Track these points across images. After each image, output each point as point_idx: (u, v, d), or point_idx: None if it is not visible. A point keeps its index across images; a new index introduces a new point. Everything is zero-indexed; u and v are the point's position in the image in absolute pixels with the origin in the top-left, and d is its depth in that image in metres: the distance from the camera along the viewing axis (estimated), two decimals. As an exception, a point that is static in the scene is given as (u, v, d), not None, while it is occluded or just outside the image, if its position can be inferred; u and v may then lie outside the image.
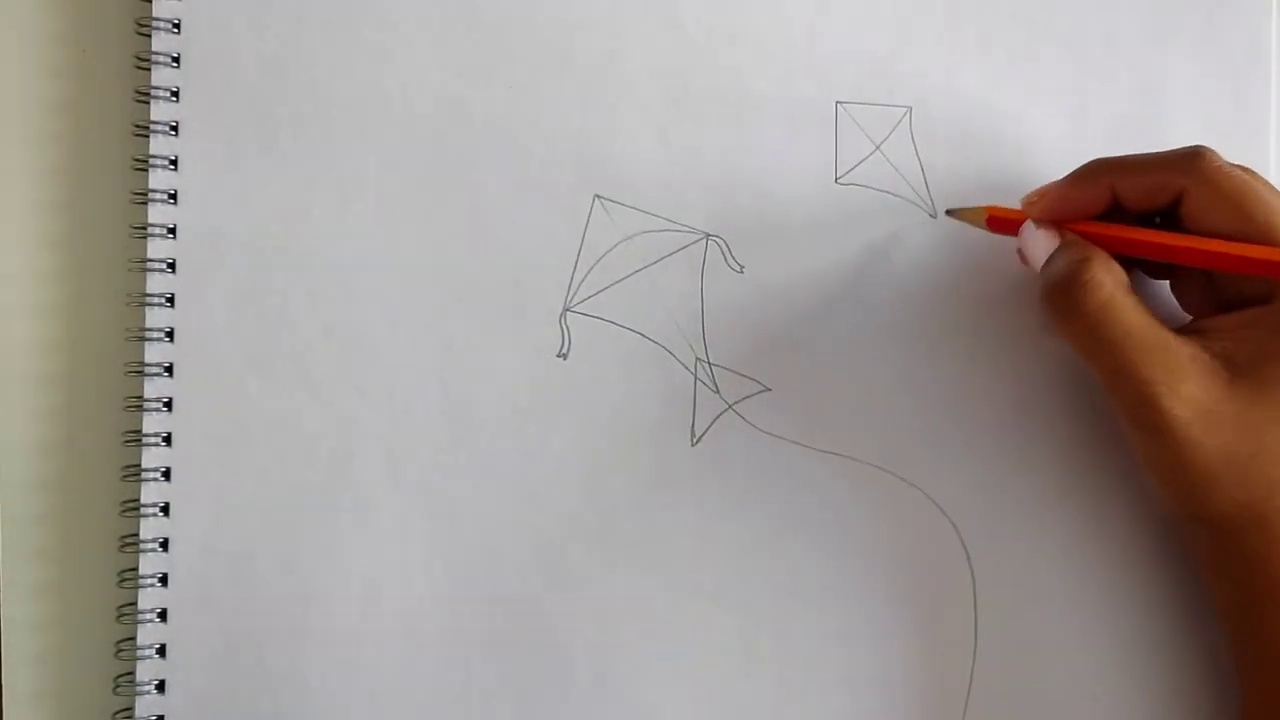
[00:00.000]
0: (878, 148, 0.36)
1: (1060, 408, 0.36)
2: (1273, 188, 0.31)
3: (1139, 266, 0.33)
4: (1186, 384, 0.29)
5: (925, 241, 0.36)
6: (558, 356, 0.34)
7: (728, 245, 0.35)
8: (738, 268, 0.35)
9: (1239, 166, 0.31)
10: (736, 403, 0.34)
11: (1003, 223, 0.34)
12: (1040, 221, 0.33)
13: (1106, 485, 0.36)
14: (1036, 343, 0.36)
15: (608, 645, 0.34)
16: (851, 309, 0.35)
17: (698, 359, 0.34)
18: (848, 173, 0.35)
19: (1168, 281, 0.34)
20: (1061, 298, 0.31)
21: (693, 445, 0.34)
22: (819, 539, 0.35)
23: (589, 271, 0.34)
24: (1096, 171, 0.32)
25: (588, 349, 0.34)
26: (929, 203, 0.36)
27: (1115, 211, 0.32)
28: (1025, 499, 0.35)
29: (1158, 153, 0.32)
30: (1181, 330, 0.31)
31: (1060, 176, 0.33)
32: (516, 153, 0.34)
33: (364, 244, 0.33)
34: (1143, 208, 0.32)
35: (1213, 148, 0.31)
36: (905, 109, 0.36)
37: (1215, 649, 0.35)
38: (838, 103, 0.35)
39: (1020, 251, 0.34)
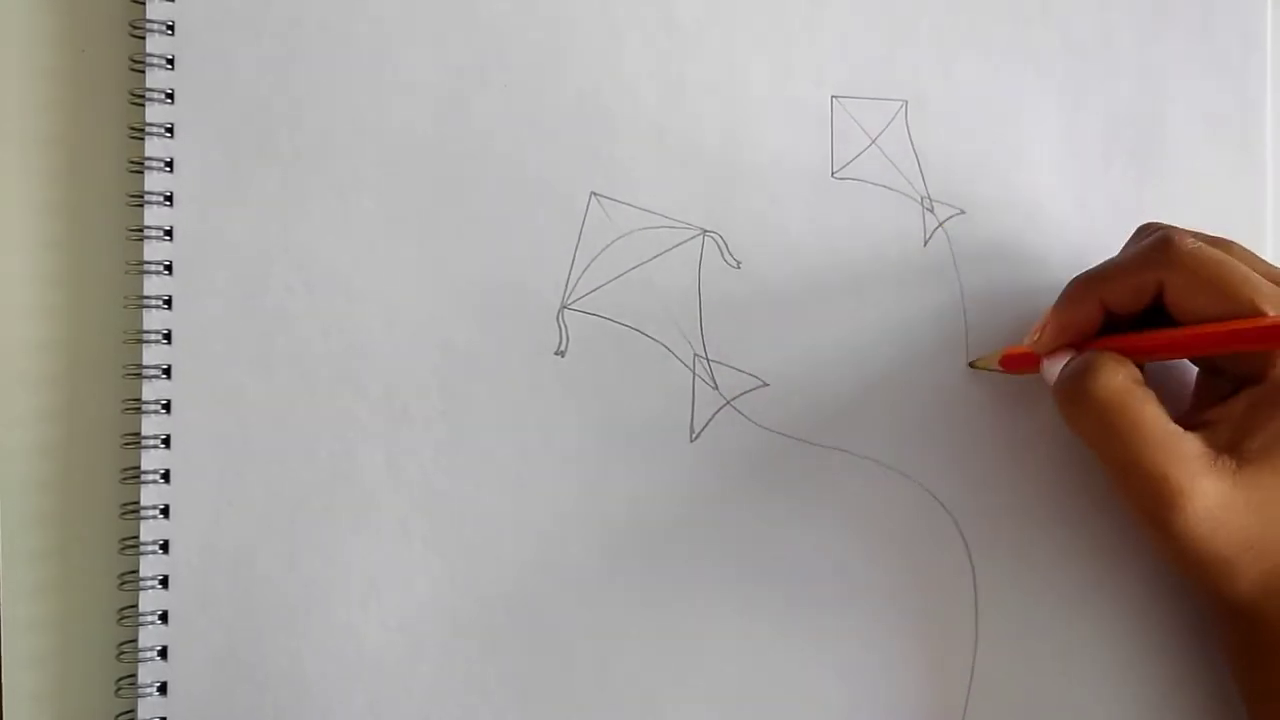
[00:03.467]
0: (874, 142, 0.36)
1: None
2: (1249, 254, 0.31)
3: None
4: (1198, 481, 0.29)
5: (922, 235, 0.36)
6: (556, 354, 0.34)
7: (725, 241, 0.35)
8: (735, 263, 0.35)
9: (1211, 241, 0.31)
10: (735, 398, 0.34)
11: (1019, 361, 0.34)
12: (1058, 352, 0.33)
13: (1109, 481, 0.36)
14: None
15: (608, 643, 0.34)
16: (849, 303, 0.35)
17: (696, 355, 0.34)
18: (844, 167, 0.35)
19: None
20: (1071, 388, 0.31)
21: (691, 441, 0.34)
22: (819, 534, 0.35)
23: (586, 268, 0.34)
24: (1081, 290, 0.32)
25: (586, 346, 0.34)
26: (926, 196, 0.36)
27: (1115, 322, 0.32)
28: (1026, 492, 0.35)
29: (1131, 251, 0.32)
30: (1185, 426, 0.30)
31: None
32: (513, 151, 0.34)
33: (361, 243, 0.33)
34: (1133, 310, 0.32)
35: (1180, 227, 0.31)
36: (901, 103, 0.36)
37: (1215, 649, 0.35)
38: (833, 97, 0.35)
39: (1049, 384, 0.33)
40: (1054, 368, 0.32)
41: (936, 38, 0.36)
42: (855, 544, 0.35)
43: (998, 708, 0.35)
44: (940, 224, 0.36)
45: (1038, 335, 0.33)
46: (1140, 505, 0.30)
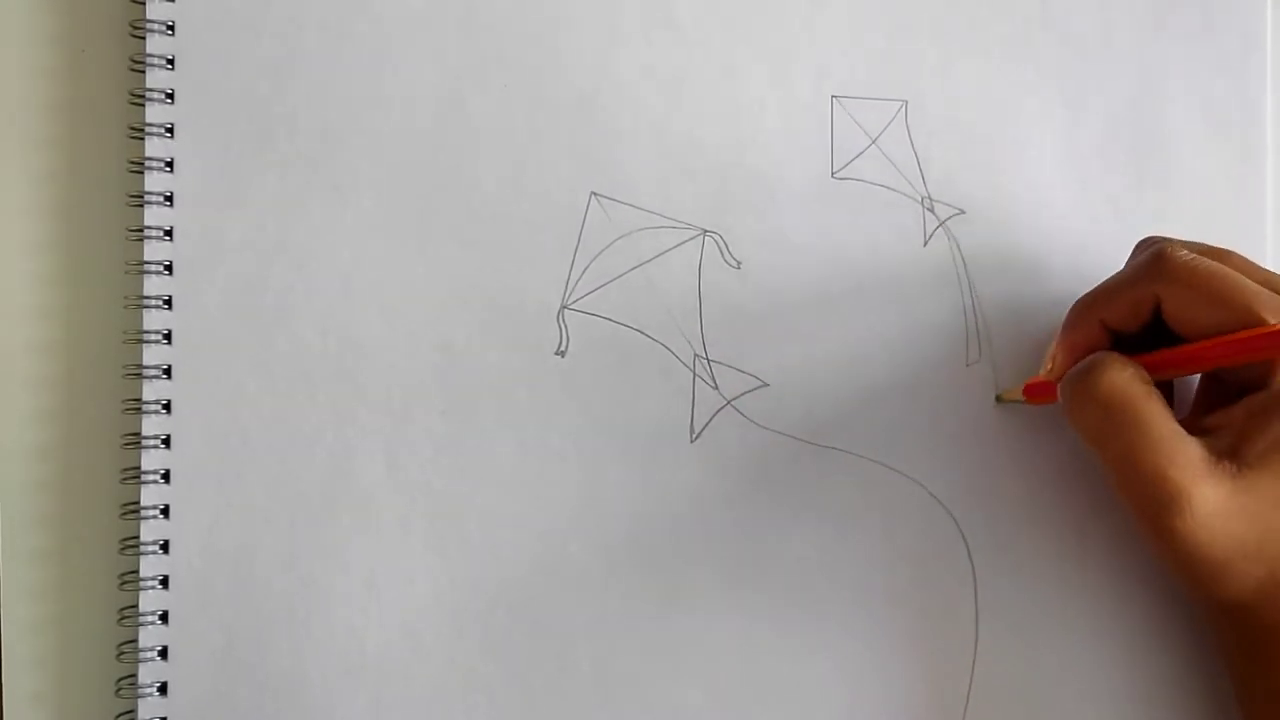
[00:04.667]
0: (874, 142, 0.36)
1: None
2: (1246, 263, 0.31)
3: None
4: (1198, 485, 0.29)
5: (922, 234, 0.36)
6: (556, 354, 0.34)
7: (725, 241, 0.35)
8: (735, 264, 0.35)
9: (1207, 251, 0.31)
10: (735, 398, 0.34)
11: (1040, 390, 0.34)
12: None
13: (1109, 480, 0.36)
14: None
15: (608, 642, 0.34)
16: (849, 303, 0.35)
17: (696, 355, 0.34)
18: (844, 167, 0.35)
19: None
20: (1076, 386, 0.31)
21: (692, 441, 0.34)
22: (819, 534, 0.35)
23: (586, 269, 0.34)
24: (1081, 313, 0.32)
25: (586, 346, 0.34)
26: (926, 196, 0.36)
27: (1121, 339, 0.32)
28: (1027, 493, 0.35)
29: (1126, 269, 0.32)
30: (1187, 430, 0.30)
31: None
32: (513, 151, 0.34)
33: (361, 243, 0.33)
34: (1134, 327, 0.32)
35: (1173, 238, 0.31)
36: (901, 103, 0.36)
37: (1211, 651, 0.35)
38: (833, 97, 0.35)
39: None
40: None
41: (936, 38, 0.36)
42: (856, 544, 0.35)
43: (998, 709, 0.35)
44: (940, 224, 0.36)
45: (1050, 365, 0.33)
46: (1139, 507, 0.30)
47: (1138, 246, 0.33)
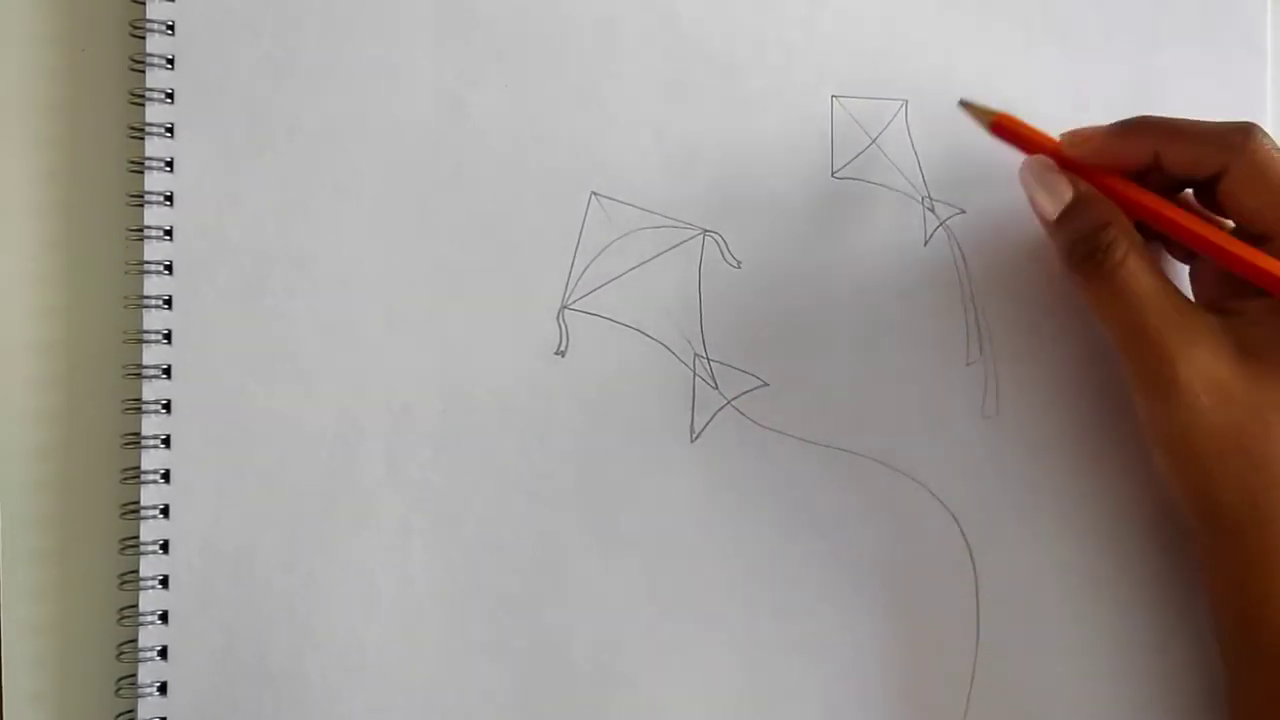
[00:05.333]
0: (874, 141, 0.36)
1: (1063, 399, 0.36)
2: None
3: (1161, 242, 0.33)
4: (1200, 351, 0.29)
5: (922, 234, 0.36)
6: (556, 354, 0.34)
7: (725, 241, 0.35)
8: (735, 263, 0.35)
9: None
10: (735, 398, 0.34)
11: (1009, 134, 0.33)
12: (1054, 165, 0.32)
13: (1111, 478, 0.36)
14: (1037, 330, 0.36)
15: (609, 642, 0.34)
16: (850, 302, 0.35)
17: (696, 355, 0.34)
18: (844, 166, 0.35)
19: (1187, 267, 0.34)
20: (1082, 257, 0.31)
21: (692, 441, 0.34)
22: (820, 533, 0.35)
23: (586, 268, 0.34)
24: (1143, 129, 0.32)
25: (586, 346, 0.34)
26: (926, 196, 0.36)
27: (1150, 172, 0.32)
28: (1028, 493, 0.35)
29: (1209, 123, 0.31)
30: (1201, 304, 0.31)
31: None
32: (513, 151, 0.34)
33: (361, 243, 0.33)
34: (1182, 175, 0.31)
35: (1265, 128, 0.31)
36: (901, 102, 0.36)
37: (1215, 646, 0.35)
38: (833, 96, 0.35)
39: (1024, 183, 0.33)
40: (1048, 187, 0.32)
41: (937, 37, 0.36)
42: (856, 544, 0.35)
43: (998, 708, 0.35)
44: (941, 223, 0.36)
45: (1074, 139, 0.32)
46: (1141, 372, 0.30)
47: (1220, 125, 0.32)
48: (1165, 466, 0.31)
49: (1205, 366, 0.29)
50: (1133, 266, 0.30)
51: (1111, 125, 0.32)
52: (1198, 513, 0.31)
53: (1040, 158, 0.33)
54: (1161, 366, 0.29)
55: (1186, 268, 0.34)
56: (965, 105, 0.34)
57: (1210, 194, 0.32)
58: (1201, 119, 0.32)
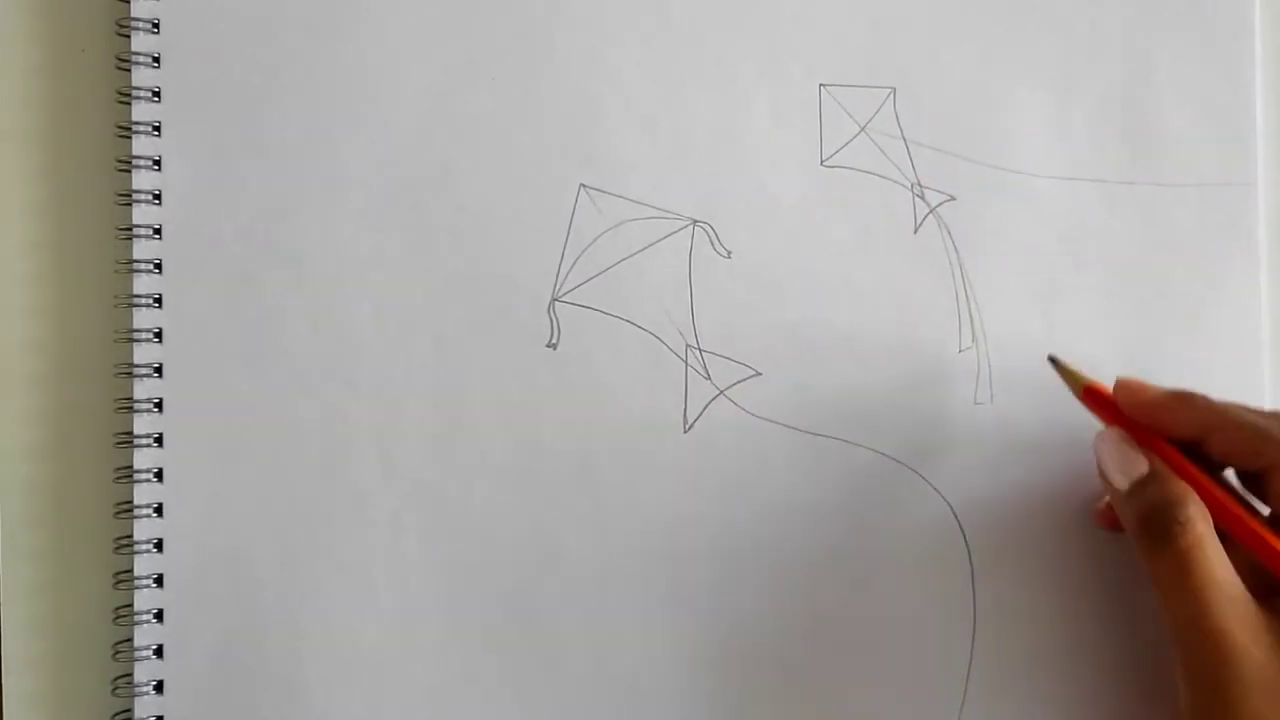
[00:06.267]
0: (863, 129, 0.35)
1: (1055, 385, 0.36)
2: None
3: None
4: (1260, 650, 0.28)
5: (913, 221, 0.36)
6: (547, 346, 0.34)
7: (715, 231, 0.35)
8: (725, 253, 0.35)
9: None
10: (728, 388, 0.34)
11: (1096, 401, 0.33)
12: (1130, 438, 0.32)
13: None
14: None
15: (604, 636, 0.34)
16: (841, 291, 0.35)
17: (688, 345, 0.34)
18: (833, 155, 0.35)
19: None
20: (1155, 530, 0.30)
21: (685, 432, 0.34)
22: (814, 522, 0.35)
23: (576, 261, 0.34)
24: (1198, 406, 0.31)
25: (577, 338, 0.34)
26: (916, 183, 0.36)
27: (1192, 447, 0.32)
28: (1024, 480, 0.35)
29: (1257, 415, 0.31)
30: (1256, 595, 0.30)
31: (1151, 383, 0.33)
32: (501, 144, 0.34)
33: (351, 239, 0.33)
34: (1226, 462, 0.31)
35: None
36: (889, 90, 0.36)
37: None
38: (821, 85, 0.35)
39: (1096, 450, 0.33)
40: (1120, 457, 0.32)
41: (923, 24, 0.36)
42: (851, 532, 0.35)
43: (995, 700, 0.35)
44: (931, 210, 0.36)
45: (1132, 392, 0.32)
46: (1194, 661, 0.29)
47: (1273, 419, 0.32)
48: None
49: (1263, 666, 0.28)
50: (1207, 550, 0.29)
51: (1167, 392, 0.32)
52: None
53: (1118, 430, 0.32)
54: (1218, 664, 0.28)
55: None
56: (1055, 363, 0.34)
57: (1256, 483, 0.31)
58: (1248, 406, 0.31)
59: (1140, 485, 0.31)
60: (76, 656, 0.32)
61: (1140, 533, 0.31)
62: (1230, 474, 0.32)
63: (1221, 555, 0.29)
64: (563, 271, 0.34)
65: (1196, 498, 0.30)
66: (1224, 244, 0.37)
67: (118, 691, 0.32)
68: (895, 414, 0.35)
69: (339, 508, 0.33)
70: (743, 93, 0.35)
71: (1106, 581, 0.35)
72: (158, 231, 0.32)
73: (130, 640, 0.32)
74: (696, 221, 0.35)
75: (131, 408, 0.32)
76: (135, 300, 0.32)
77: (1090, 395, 0.33)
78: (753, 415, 0.34)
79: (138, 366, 0.32)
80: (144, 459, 0.32)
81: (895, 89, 0.36)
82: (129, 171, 0.32)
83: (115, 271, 0.33)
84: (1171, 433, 0.32)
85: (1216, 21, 0.38)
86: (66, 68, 0.33)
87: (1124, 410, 0.32)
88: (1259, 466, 0.31)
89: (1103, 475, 0.32)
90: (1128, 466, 0.32)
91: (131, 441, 0.32)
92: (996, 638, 0.35)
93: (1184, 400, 0.32)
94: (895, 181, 0.36)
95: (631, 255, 0.34)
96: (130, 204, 0.32)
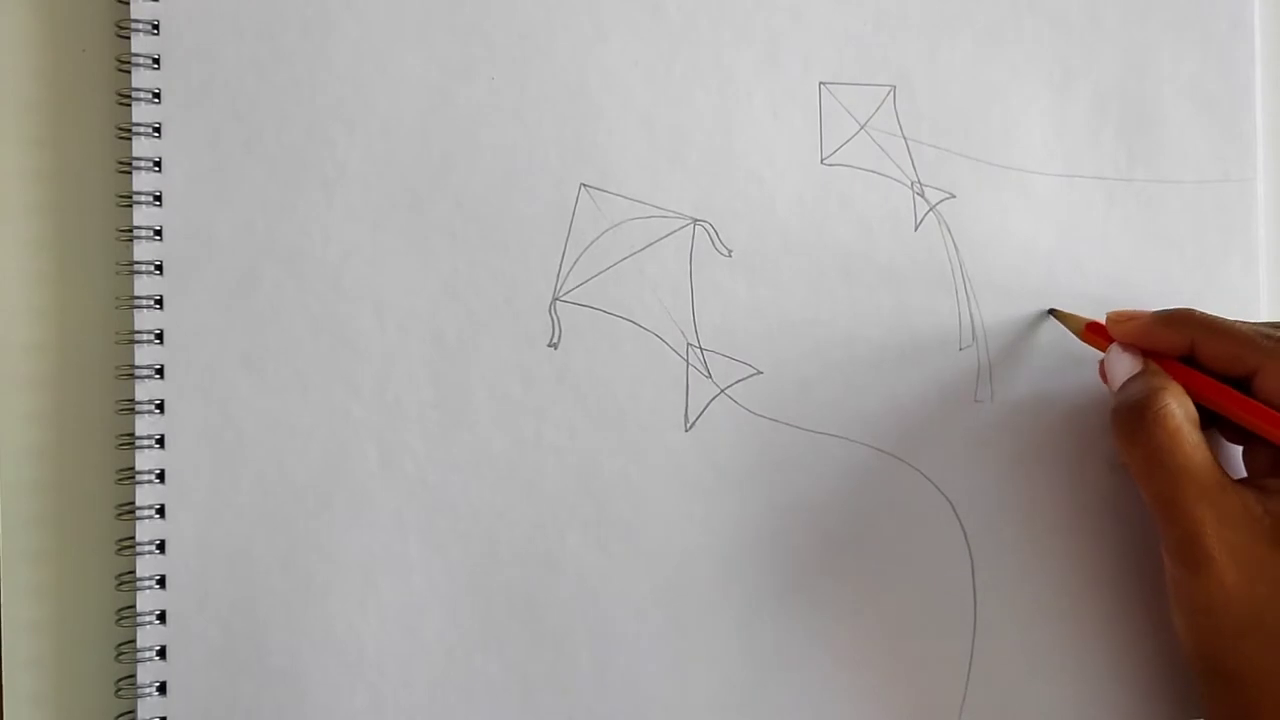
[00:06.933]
0: (863, 127, 0.36)
1: (1055, 383, 0.36)
2: None
3: (1217, 426, 0.33)
4: (1233, 530, 0.29)
5: (913, 219, 0.36)
6: (548, 346, 0.34)
7: (715, 230, 0.35)
8: (726, 252, 0.35)
9: None
10: (729, 386, 0.34)
11: (1096, 333, 0.34)
12: (1126, 346, 0.33)
13: (1103, 462, 0.36)
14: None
15: (607, 634, 0.34)
16: (841, 289, 0.35)
17: (689, 344, 0.34)
18: (833, 153, 0.35)
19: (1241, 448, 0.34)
20: (1131, 421, 0.31)
21: (686, 430, 0.34)
22: (815, 520, 0.35)
23: (577, 260, 0.34)
24: (1183, 321, 0.33)
25: (578, 338, 0.34)
26: (916, 181, 0.36)
27: (1188, 361, 0.33)
28: (1025, 477, 0.36)
29: (1245, 325, 0.32)
30: (1240, 481, 0.31)
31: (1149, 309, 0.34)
32: (501, 144, 0.34)
33: (351, 239, 0.33)
34: (1214, 369, 0.32)
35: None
36: (889, 88, 0.36)
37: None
38: (821, 83, 0.35)
39: (1102, 368, 0.34)
40: (1119, 363, 0.33)
41: (923, 22, 0.36)
42: (852, 530, 0.35)
43: (995, 696, 0.35)
44: (931, 208, 0.36)
45: (1123, 320, 0.34)
46: (1172, 541, 0.30)
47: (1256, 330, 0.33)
48: (1182, 630, 0.32)
49: (1237, 545, 0.29)
50: (1180, 436, 0.30)
51: (1155, 312, 0.33)
52: (1204, 672, 0.32)
53: (1119, 343, 0.34)
54: (1193, 538, 0.30)
55: (1240, 448, 0.34)
56: (1055, 314, 0.36)
57: (1244, 390, 0.32)
58: (1237, 320, 0.32)
59: (1129, 381, 0.33)
60: (79, 657, 0.32)
61: (1118, 423, 0.32)
62: None
63: (1198, 444, 0.30)
64: (563, 271, 0.34)
65: (1180, 391, 0.31)
66: (1223, 241, 0.37)
67: (121, 693, 0.32)
68: (896, 412, 0.35)
69: (340, 507, 0.33)
70: (743, 91, 0.35)
71: (1107, 579, 0.36)
72: (158, 233, 0.32)
73: (133, 641, 0.32)
74: (697, 220, 0.35)
75: (133, 409, 0.32)
76: (136, 302, 0.32)
77: (1090, 331, 0.35)
78: (754, 413, 0.35)
79: (139, 368, 0.32)
80: (145, 460, 0.32)
81: (895, 87, 0.36)
82: (129, 173, 0.32)
83: (116, 273, 0.33)
84: (1162, 349, 0.33)
85: (1216, 19, 0.38)
86: (67, 69, 0.33)
87: (1117, 337, 0.34)
88: (1244, 372, 0.32)
89: (1108, 386, 0.34)
90: (1124, 370, 0.33)
91: (133, 443, 0.32)
92: (996, 636, 0.35)
93: (1169, 318, 0.33)
94: (895, 179, 0.36)
95: (632, 254, 0.34)
96: (131, 205, 0.32)
